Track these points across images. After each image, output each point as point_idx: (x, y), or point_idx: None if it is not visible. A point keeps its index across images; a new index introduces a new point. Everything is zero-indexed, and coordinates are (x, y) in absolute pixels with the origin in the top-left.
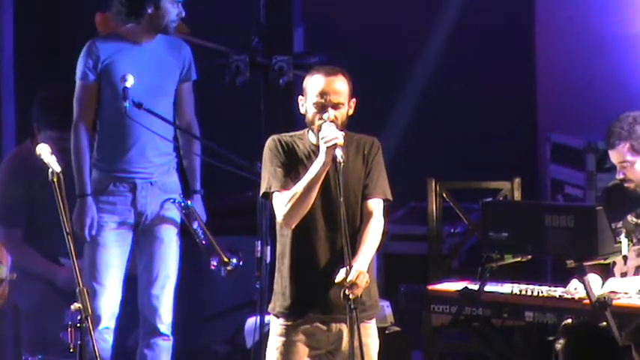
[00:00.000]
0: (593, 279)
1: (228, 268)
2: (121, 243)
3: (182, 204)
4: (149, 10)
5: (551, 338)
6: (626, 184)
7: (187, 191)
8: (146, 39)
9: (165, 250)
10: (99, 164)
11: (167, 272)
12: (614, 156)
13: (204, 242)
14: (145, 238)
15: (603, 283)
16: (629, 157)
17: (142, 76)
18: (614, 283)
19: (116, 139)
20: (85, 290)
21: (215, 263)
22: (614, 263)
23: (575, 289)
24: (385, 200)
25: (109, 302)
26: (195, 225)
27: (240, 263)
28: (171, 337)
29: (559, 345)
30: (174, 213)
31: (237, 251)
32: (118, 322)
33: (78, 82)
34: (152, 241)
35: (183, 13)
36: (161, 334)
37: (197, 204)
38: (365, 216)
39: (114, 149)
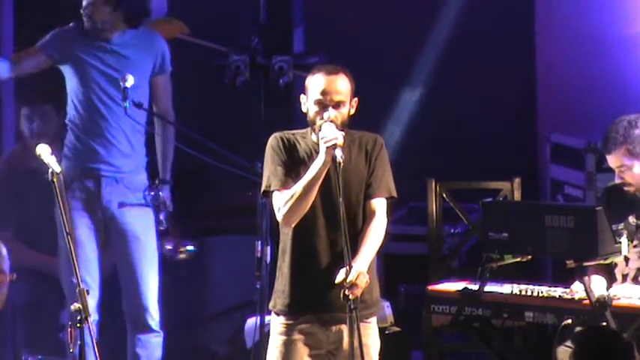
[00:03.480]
0: (598, 280)
1: (182, 255)
2: (94, 238)
3: (153, 194)
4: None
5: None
6: (626, 188)
7: (156, 181)
8: (117, 34)
9: (144, 247)
10: (70, 157)
11: (151, 269)
12: (611, 161)
13: (162, 228)
14: (120, 237)
15: (608, 286)
16: (626, 162)
17: (109, 72)
18: (618, 289)
19: (86, 135)
20: (84, 291)
21: (170, 247)
22: (616, 265)
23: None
24: (390, 197)
25: (92, 297)
26: (162, 216)
27: (195, 250)
28: (161, 333)
29: (568, 350)
30: (148, 209)
31: (194, 240)
32: (99, 319)
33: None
34: (129, 240)
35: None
36: (152, 331)
37: (166, 194)
38: (367, 215)
39: (84, 144)
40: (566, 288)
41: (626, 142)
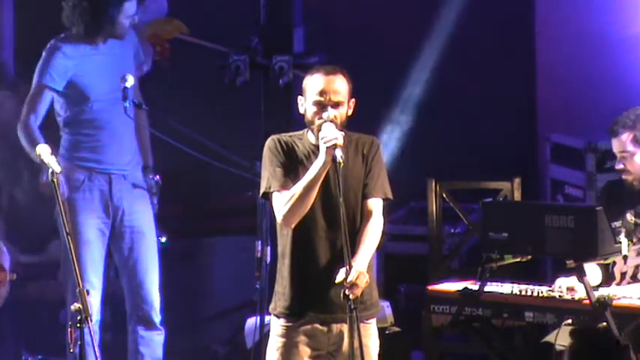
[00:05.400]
0: (592, 269)
1: None
2: (102, 238)
3: (155, 180)
4: (106, 28)
5: (545, 340)
6: (624, 176)
7: (148, 169)
8: (102, 42)
9: (148, 243)
10: (69, 157)
11: (154, 265)
12: (615, 145)
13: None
14: (126, 234)
15: (603, 276)
16: (630, 148)
17: (107, 78)
18: (614, 290)
19: (92, 136)
20: (84, 291)
21: None
22: (615, 263)
23: (559, 287)
24: (385, 199)
25: (96, 297)
26: (155, 200)
27: (164, 241)
28: (163, 330)
29: (561, 348)
30: (149, 203)
31: (163, 235)
32: (102, 318)
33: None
34: (135, 237)
35: (137, 20)
36: (157, 328)
37: (154, 180)
38: (365, 215)
39: (90, 144)
40: (551, 286)
41: (635, 129)
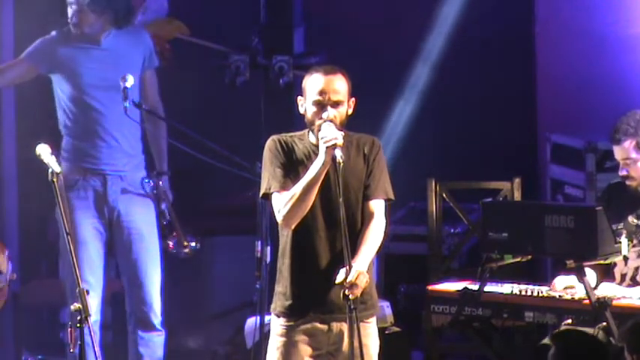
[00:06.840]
0: (587, 273)
1: (186, 250)
2: (99, 238)
3: (152, 184)
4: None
5: (545, 341)
6: (628, 182)
7: (154, 172)
8: (104, 34)
9: (148, 245)
10: (69, 158)
11: (155, 267)
12: (618, 152)
13: (165, 222)
14: (124, 235)
15: (598, 280)
16: (633, 155)
17: (106, 75)
18: (606, 288)
19: (87, 136)
20: (84, 291)
21: (172, 244)
22: (615, 264)
23: (560, 287)
24: (387, 200)
25: (95, 297)
26: (163, 206)
27: (198, 246)
28: (163, 331)
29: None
30: (150, 205)
31: (197, 237)
32: (102, 318)
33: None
34: (134, 239)
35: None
36: (156, 329)
37: (165, 184)
38: (366, 216)
39: (86, 144)
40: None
41: (637, 135)
